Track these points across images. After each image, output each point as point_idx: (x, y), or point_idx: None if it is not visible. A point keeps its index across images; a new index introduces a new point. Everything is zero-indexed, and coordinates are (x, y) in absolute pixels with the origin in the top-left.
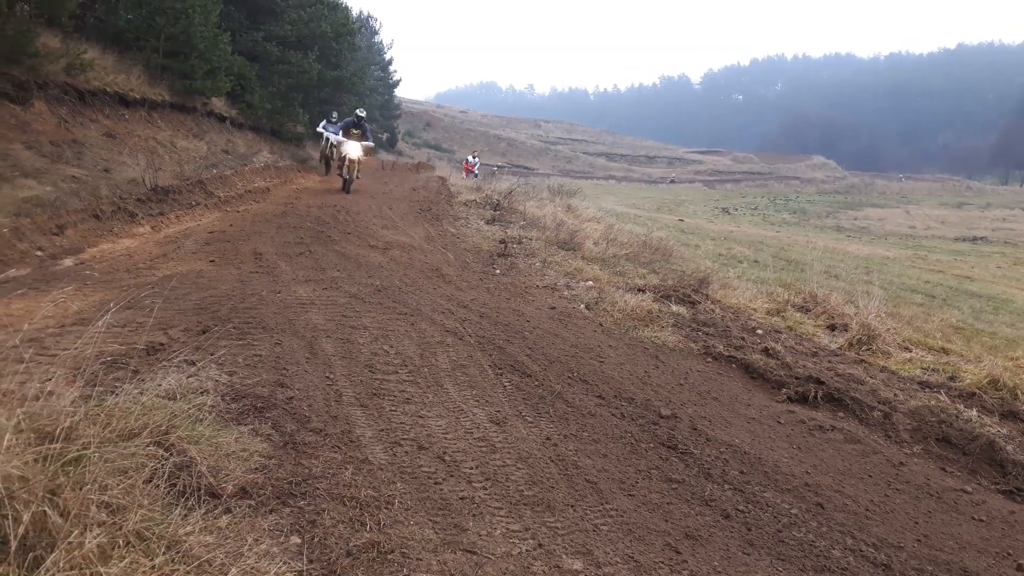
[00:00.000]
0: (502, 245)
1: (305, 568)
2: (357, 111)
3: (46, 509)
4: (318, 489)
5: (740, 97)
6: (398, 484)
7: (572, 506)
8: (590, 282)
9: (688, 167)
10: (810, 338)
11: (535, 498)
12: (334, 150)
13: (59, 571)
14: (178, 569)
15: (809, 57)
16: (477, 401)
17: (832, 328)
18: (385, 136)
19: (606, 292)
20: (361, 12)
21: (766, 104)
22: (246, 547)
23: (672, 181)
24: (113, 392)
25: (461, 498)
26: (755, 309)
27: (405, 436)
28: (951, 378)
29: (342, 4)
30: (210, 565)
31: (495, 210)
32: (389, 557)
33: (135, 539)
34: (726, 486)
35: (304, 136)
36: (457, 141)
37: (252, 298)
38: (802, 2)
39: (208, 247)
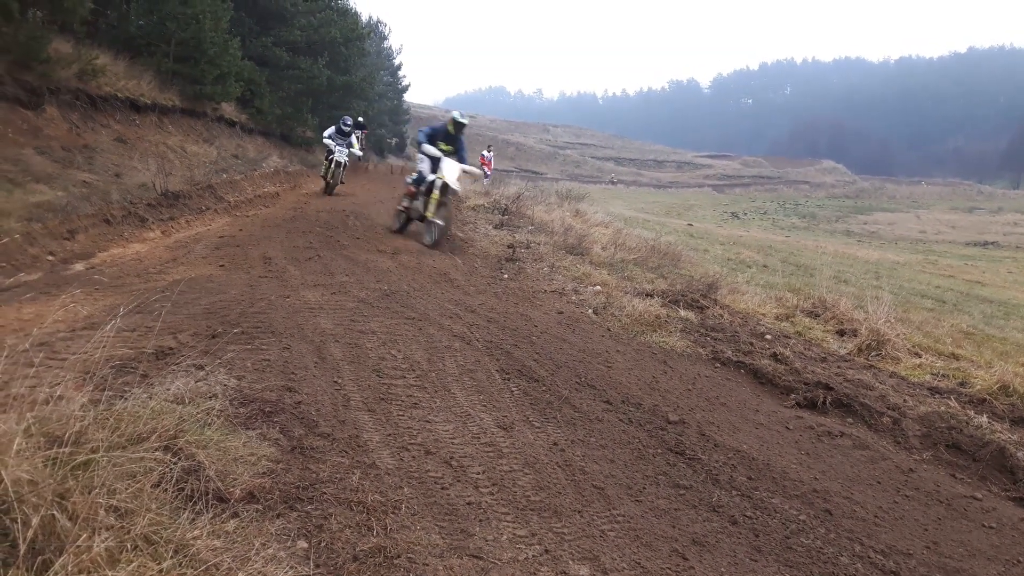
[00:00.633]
0: (510, 250)
1: (312, 572)
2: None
3: (55, 513)
4: (325, 494)
5: (749, 101)
6: (405, 489)
7: (579, 512)
8: (598, 287)
9: (697, 171)
10: (819, 343)
11: (542, 503)
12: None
13: (67, 574)
14: (186, 573)
15: (819, 61)
16: (484, 406)
17: (841, 333)
18: (394, 141)
19: (614, 297)
20: (371, 17)
21: (775, 108)
22: (253, 551)
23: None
24: (122, 396)
25: (468, 503)
26: (764, 314)
27: (412, 441)
28: (961, 384)
29: (352, 10)
30: (217, 569)
31: (503, 215)
32: (395, 562)
33: (143, 543)
34: (734, 492)
35: (314, 141)
36: (466, 145)
37: (261, 303)
38: (811, 6)
39: (218, 252)
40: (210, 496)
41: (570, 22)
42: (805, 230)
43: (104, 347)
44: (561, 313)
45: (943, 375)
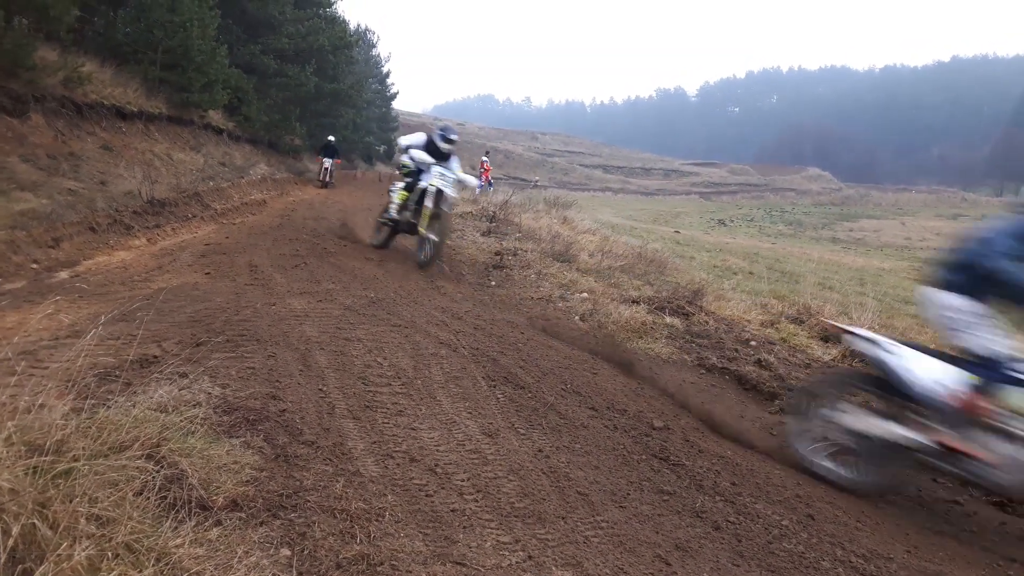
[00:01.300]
0: (497, 257)
1: None
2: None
3: (35, 521)
4: (309, 501)
5: (736, 109)
6: (389, 496)
7: (563, 518)
8: (585, 294)
9: (684, 179)
10: (803, 350)
11: (526, 510)
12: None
13: None
14: None
15: (805, 69)
16: (470, 413)
17: (826, 340)
18: (383, 148)
19: (601, 304)
20: (359, 25)
21: (762, 116)
22: (236, 559)
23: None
24: (105, 405)
25: (452, 510)
26: (749, 321)
27: (397, 448)
28: None
29: (340, 18)
30: None
31: (491, 222)
32: (378, 569)
33: (124, 551)
34: (717, 497)
35: (301, 148)
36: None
37: (246, 310)
38: (797, 15)
39: (203, 259)
40: (193, 504)
41: (559, 32)
42: (791, 237)
43: (87, 355)
44: (548, 320)
45: None
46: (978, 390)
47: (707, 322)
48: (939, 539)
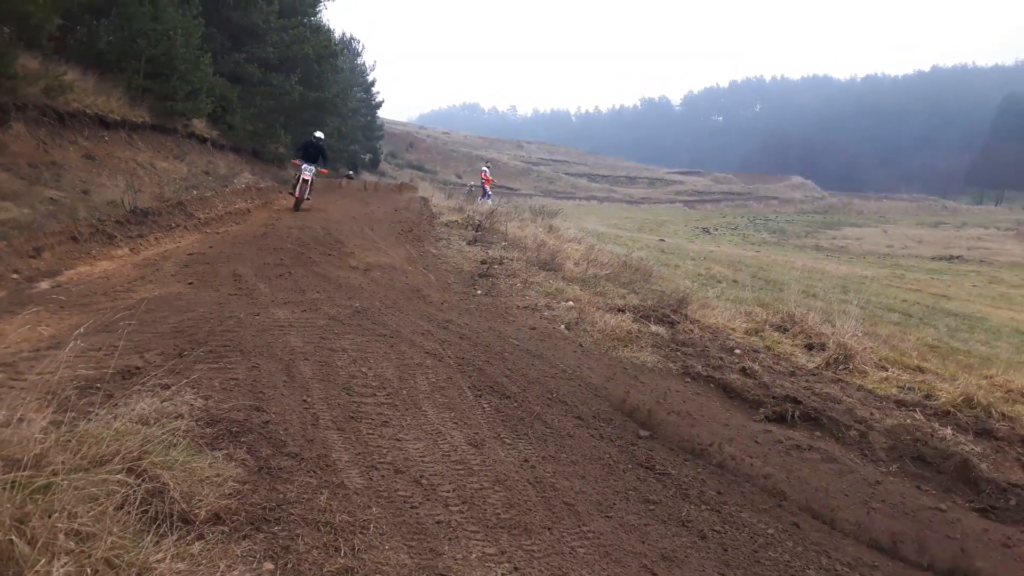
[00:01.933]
0: (483, 266)
1: None
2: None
3: (13, 538)
4: (292, 514)
5: (719, 118)
6: (374, 508)
7: (549, 529)
8: (570, 302)
9: (669, 187)
10: (788, 357)
11: (512, 521)
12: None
13: None
14: None
15: (787, 78)
16: (456, 423)
17: (810, 347)
18: (368, 157)
19: (586, 312)
20: (344, 34)
21: (745, 125)
22: (218, 574)
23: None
24: (86, 417)
25: (437, 522)
26: (734, 329)
27: (382, 459)
28: (927, 396)
29: (325, 26)
30: None
31: (477, 231)
32: None
33: (104, 567)
34: (703, 506)
35: (286, 157)
36: (440, 162)
37: (230, 320)
38: (780, 24)
39: (187, 269)
40: (175, 518)
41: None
42: (775, 245)
43: (68, 367)
44: (534, 329)
45: (909, 388)
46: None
47: (692, 330)
48: (923, 546)
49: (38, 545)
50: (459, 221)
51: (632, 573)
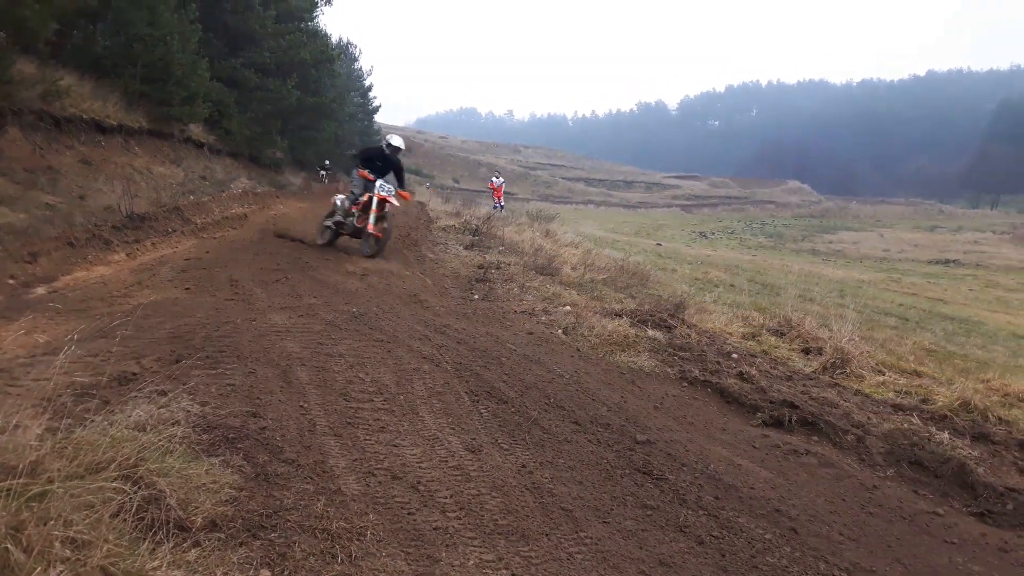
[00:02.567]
0: (480, 270)
1: None
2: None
3: (8, 546)
4: (289, 521)
5: (716, 123)
6: (371, 515)
7: (547, 535)
8: (568, 307)
9: (666, 192)
10: (784, 362)
11: (509, 527)
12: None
13: None
14: None
15: (784, 83)
16: (453, 429)
17: (806, 352)
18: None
19: (583, 317)
20: (341, 38)
21: (742, 129)
22: None
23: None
24: (81, 424)
25: (434, 528)
26: (731, 333)
27: (379, 466)
28: (923, 401)
29: (322, 31)
30: None
31: (474, 235)
32: None
33: (100, 575)
34: (701, 512)
35: (283, 162)
36: (438, 167)
37: (227, 326)
38: (776, 29)
39: (184, 274)
40: (171, 525)
41: (542, 45)
42: (772, 249)
43: (64, 373)
44: (531, 333)
45: (906, 392)
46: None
47: (689, 335)
48: (921, 551)
49: (34, 553)
50: (456, 226)
51: None
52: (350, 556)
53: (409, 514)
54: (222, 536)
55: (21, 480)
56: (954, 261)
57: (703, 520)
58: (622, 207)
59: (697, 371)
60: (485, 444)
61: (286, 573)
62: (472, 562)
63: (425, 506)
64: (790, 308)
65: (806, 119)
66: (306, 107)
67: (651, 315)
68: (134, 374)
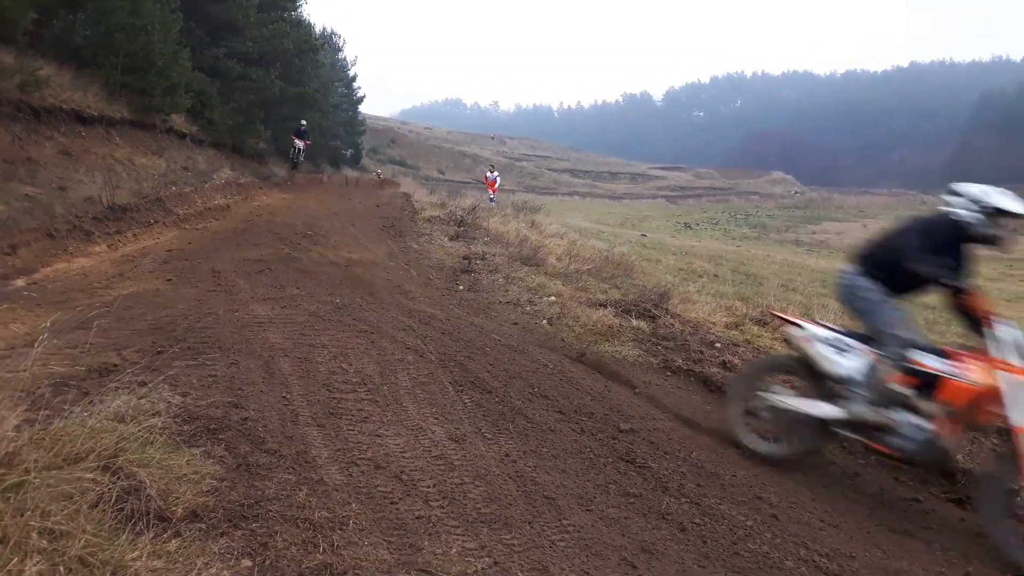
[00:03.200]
0: (465, 261)
1: None
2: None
3: None
4: (271, 511)
5: (701, 113)
6: (353, 504)
7: (529, 523)
8: (552, 297)
9: (651, 183)
10: (767, 351)
11: (492, 515)
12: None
13: None
14: None
15: (768, 74)
16: (437, 419)
17: (789, 342)
18: (350, 152)
19: (568, 307)
20: (325, 28)
21: (726, 121)
22: (195, 571)
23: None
24: (60, 415)
25: (417, 517)
26: (714, 323)
27: (362, 456)
28: None
29: (305, 21)
30: None
31: (459, 226)
32: None
33: (78, 565)
34: (683, 499)
35: (266, 153)
36: (422, 157)
37: (208, 317)
38: (761, 20)
39: (165, 266)
40: (151, 516)
41: (528, 36)
42: (755, 240)
43: (42, 364)
44: (516, 324)
45: None
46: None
47: (673, 324)
48: (900, 537)
49: (10, 544)
50: (441, 217)
51: (612, 566)
52: (332, 545)
53: (392, 503)
54: (203, 527)
55: None
56: None
57: (685, 507)
58: (607, 198)
59: (680, 360)
60: (469, 434)
61: (267, 563)
62: (455, 550)
63: (408, 495)
64: (773, 298)
65: (790, 110)
66: (289, 97)
67: (635, 305)
68: (115, 365)
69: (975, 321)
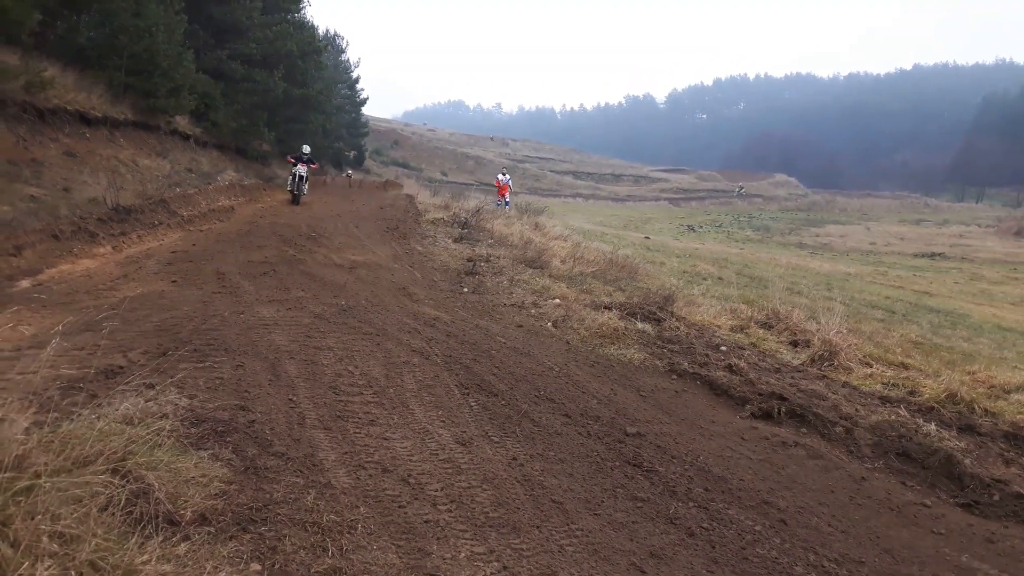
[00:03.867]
0: (470, 263)
1: None
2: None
3: None
4: (279, 515)
5: (704, 116)
6: (361, 508)
7: (538, 527)
8: (557, 300)
9: (654, 185)
10: (773, 354)
11: (500, 520)
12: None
13: None
14: None
15: (771, 77)
16: (443, 422)
17: (795, 344)
18: (353, 154)
19: (573, 310)
20: (328, 30)
21: (729, 123)
22: (205, 575)
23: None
24: (69, 418)
25: (425, 521)
26: (719, 326)
27: (369, 459)
28: (910, 393)
29: (309, 23)
30: None
31: (463, 228)
32: None
33: (88, 569)
34: (691, 504)
35: (270, 155)
36: (425, 159)
37: (214, 319)
38: (764, 23)
39: (170, 267)
40: (160, 519)
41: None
42: (759, 243)
43: (50, 366)
44: (521, 326)
45: (893, 384)
46: None
47: (678, 327)
48: (909, 542)
49: (21, 548)
50: (445, 219)
51: (621, 571)
52: (341, 549)
53: (400, 507)
54: (212, 530)
55: (7, 474)
56: (940, 254)
57: (693, 512)
58: (610, 200)
59: (686, 363)
60: (475, 437)
61: (276, 567)
62: (463, 555)
63: (416, 499)
64: (778, 301)
65: (793, 113)
66: (293, 99)
67: (640, 308)
68: (121, 367)
69: None
